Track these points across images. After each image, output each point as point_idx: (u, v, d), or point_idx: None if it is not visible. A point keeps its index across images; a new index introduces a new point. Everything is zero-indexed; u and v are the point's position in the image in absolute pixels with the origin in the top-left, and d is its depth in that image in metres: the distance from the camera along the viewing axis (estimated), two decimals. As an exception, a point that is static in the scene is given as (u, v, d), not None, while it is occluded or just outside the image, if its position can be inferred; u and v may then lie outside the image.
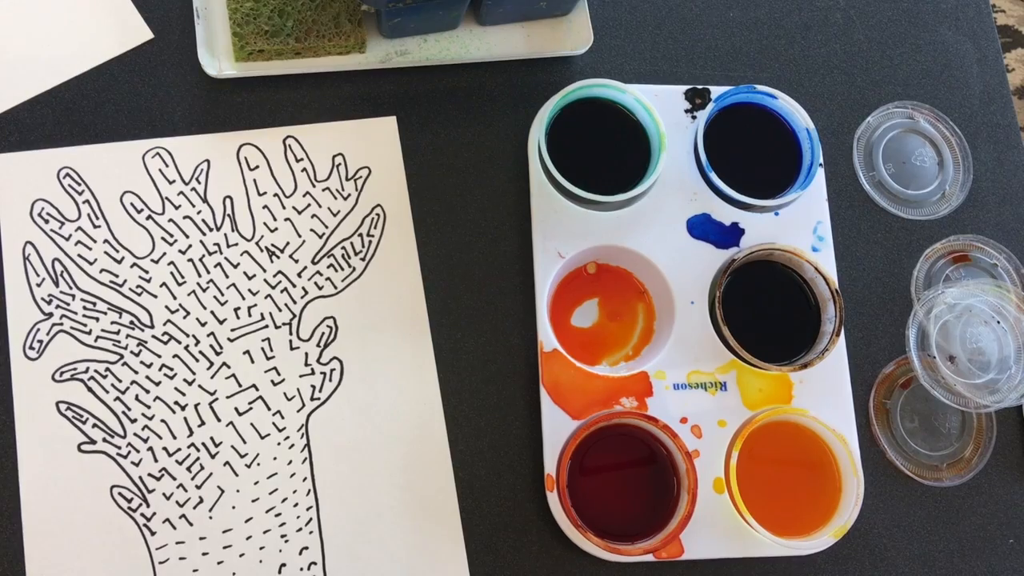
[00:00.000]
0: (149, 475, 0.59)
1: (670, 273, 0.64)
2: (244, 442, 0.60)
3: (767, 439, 0.62)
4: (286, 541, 0.59)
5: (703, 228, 0.66)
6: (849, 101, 0.73)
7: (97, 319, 0.60)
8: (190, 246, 0.62)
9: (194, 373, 0.61)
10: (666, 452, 0.61)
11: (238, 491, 0.59)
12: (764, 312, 0.66)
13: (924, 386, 0.64)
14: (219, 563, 0.58)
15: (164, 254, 0.62)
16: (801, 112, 0.67)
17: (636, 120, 0.66)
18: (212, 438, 0.60)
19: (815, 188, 0.68)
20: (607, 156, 0.66)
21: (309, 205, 0.64)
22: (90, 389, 0.59)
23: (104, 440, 0.59)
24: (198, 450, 0.60)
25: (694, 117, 0.68)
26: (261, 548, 0.59)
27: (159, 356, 0.60)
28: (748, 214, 0.66)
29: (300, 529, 0.59)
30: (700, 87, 0.69)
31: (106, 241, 0.62)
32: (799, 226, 0.67)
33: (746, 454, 0.61)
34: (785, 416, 0.63)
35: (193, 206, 0.63)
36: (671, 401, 0.63)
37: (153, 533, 0.58)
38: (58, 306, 0.60)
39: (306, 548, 0.59)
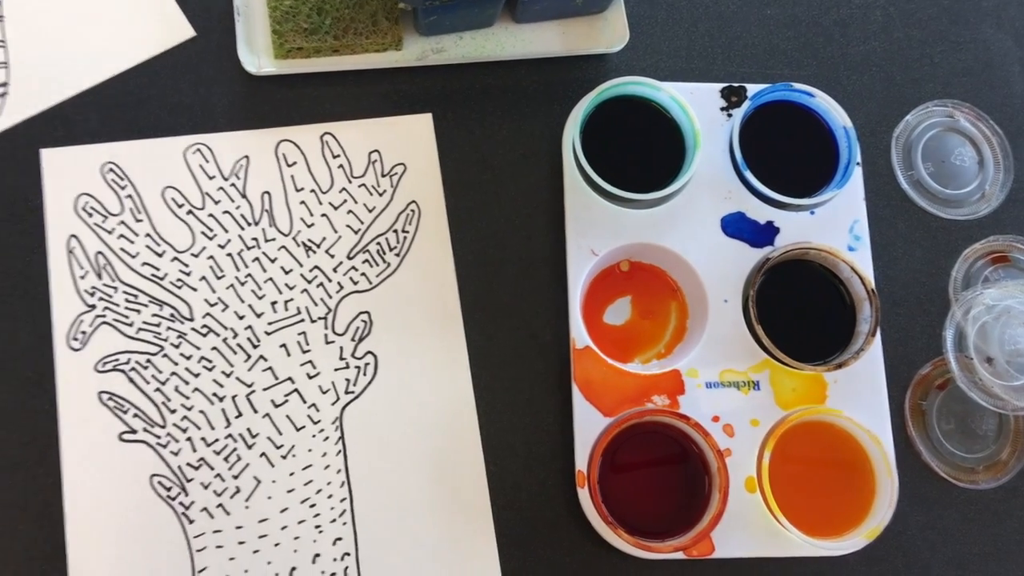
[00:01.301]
0: (188, 465, 0.60)
1: (703, 271, 0.64)
2: (280, 434, 0.61)
3: (800, 439, 0.62)
4: (320, 531, 0.60)
5: (737, 226, 0.66)
6: (888, 99, 0.72)
7: (139, 311, 0.62)
8: (229, 240, 0.63)
9: (232, 365, 0.62)
10: (698, 450, 0.61)
11: (274, 482, 0.60)
12: (798, 311, 0.66)
13: (961, 388, 0.63)
14: (255, 552, 0.59)
15: (204, 248, 0.63)
16: (839, 110, 0.67)
17: (671, 118, 0.66)
18: (249, 429, 0.61)
19: (852, 187, 0.67)
20: (641, 154, 0.66)
21: (345, 201, 0.65)
22: (131, 380, 0.61)
23: (144, 430, 0.60)
24: (235, 441, 0.61)
25: (730, 115, 0.68)
26: (296, 538, 0.60)
27: (198, 348, 0.62)
28: (783, 213, 0.66)
29: (334, 520, 0.60)
30: (736, 85, 0.68)
31: (148, 235, 0.63)
32: (835, 225, 0.67)
33: (779, 454, 0.61)
34: (819, 416, 0.63)
35: (232, 201, 0.64)
36: (703, 399, 0.63)
37: (191, 521, 0.59)
38: (101, 298, 0.62)
39: (339, 539, 0.60)
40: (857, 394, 0.64)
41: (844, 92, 0.71)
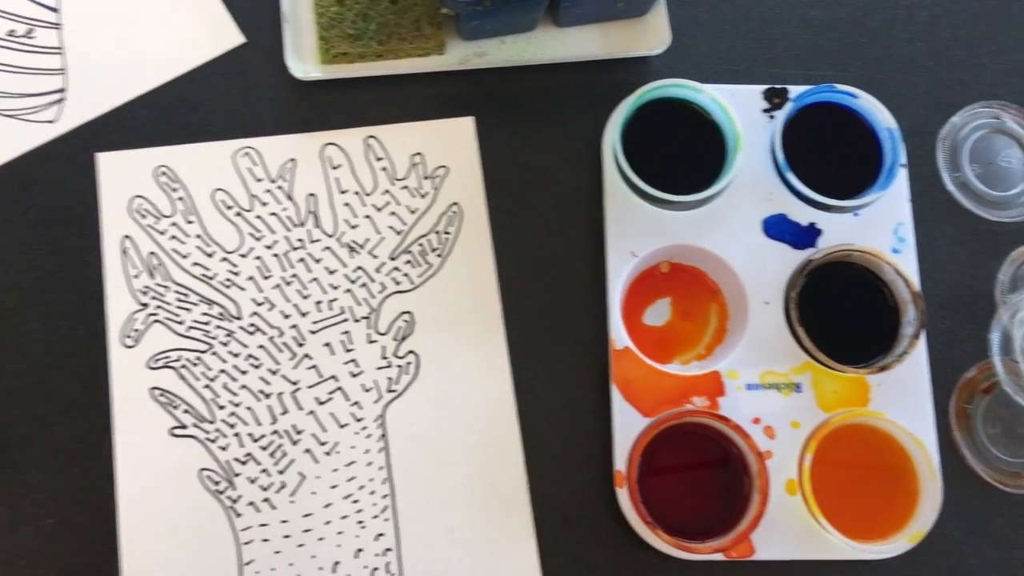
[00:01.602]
0: (235, 459, 0.62)
1: (744, 273, 0.64)
2: (324, 431, 0.62)
3: (842, 441, 0.62)
4: (363, 527, 0.61)
5: (779, 228, 0.65)
6: (933, 100, 0.71)
7: (189, 310, 0.64)
8: (276, 242, 0.65)
9: (278, 363, 0.63)
10: (737, 452, 0.61)
11: (318, 477, 0.61)
12: (841, 314, 0.66)
13: (1007, 392, 0.62)
14: (299, 546, 0.60)
15: (252, 249, 0.65)
16: (883, 112, 0.66)
17: (712, 120, 0.66)
18: (294, 426, 0.62)
19: (896, 189, 0.67)
20: (682, 156, 0.66)
21: (388, 203, 0.66)
22: (182, 376, 0.63)
23: (194, 425, 0.62)
24: (281, 437, 0.62)
25: (772, 117, 0.68)
26: (339, 533, 0.61)
27: (246, 346, 0.63)
28: (826, 214, 0.66)
29: (376, 516, 0.61)
30: (778, 87, 0.68)
31: (198, 236, 0.65)
32: (879, 227, 0.66)
33: (820, 456, 0.60)
34: (861, 419, 0.62)
35: (279, 203, 0.66)
36: (743, 401, 0.63)
37: (239, 515, 0.61)
38: (153, 297, 0.64)
39: (382, 535, 0.61)
40: (900, 397, 0.63)
41: (889, 93, 0.71)
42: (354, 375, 0.63)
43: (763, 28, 0.72)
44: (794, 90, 0.68)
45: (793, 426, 0.62)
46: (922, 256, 0.67)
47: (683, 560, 0.60)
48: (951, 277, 0.68)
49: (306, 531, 0.61)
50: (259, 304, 0.64)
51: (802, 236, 0.65)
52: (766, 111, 0.68)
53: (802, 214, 0.66)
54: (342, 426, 0.62)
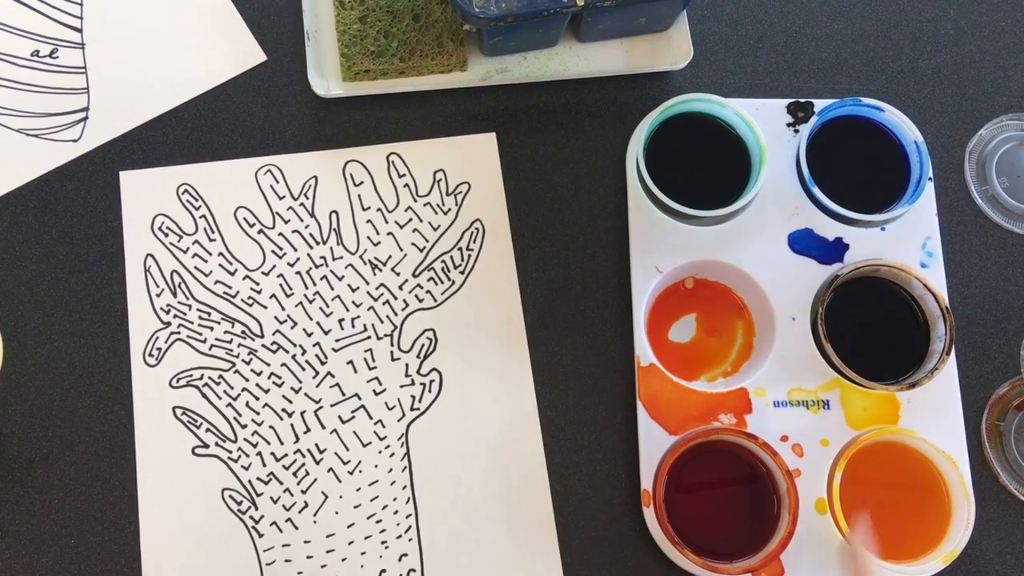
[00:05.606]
0: (258, 479, 0.61)
1: (770, 289, 0.63)
2: (347, 449, 0.62)
3: (872, 460, 0.61)
4: (386, 547, 0.60)
5: (805, 243, 0.65)
6: (960, 113, 0.71)
7: (211, 328, 0.63)
8: (298, 259, 0.65)
9: (300, 382, 0.63)
10: (766, 470, 0.60)
11: (341, 497, 0.61)
12: (869, 329, 0.65)
13: (1041, 408, 0.62)
14: (322, 567, 0.60)
15: (274, 267, 0.65)
16: (909, 125, 0.66)
17: (736, 134, 0.66)
18: (317, 445, 0.62)
19: (924, 203, 0.66)
20: (706, 170, 0.66)
21: (411, 219, 0.66)
22: (204, 395, 0.62)
23: (216, 444, 0.62)
24: (304, 456, 0.62)
25: (796, 131, 0.67)
26: (362, 553, 0.60)
27: (268, 364, 0.63)
28: (853, 229, 0.65)
29: (400, 536, 0.60)
30: (803, 100, 0.68)
31: (221, 254, 0.65)
32: (907, 241, 0.65)
33: (850, 475, 0.59)
34: (892, 436, 0.61)
35: (301, 220, 0.65)
36: (771, 418, 0.62)
37: (261, 535, 0.60)
38: (176, 315, 0.63)
39: (405, 555, 0.60)
40: (931, 414, 0.62)
41: (915, 106, 0.70)
42: (377, 393, 0.63)
43: (786, 42, 0.71)
44: (819, 104, 0.67)
45: (822, 444, 0.61)
46: (951, 271, 0.66)
47: (711, 581, 0.59)
48: (981, 292, 0.67)
49: (329, 551, 0.60)
50: (281, 322, 0.64)
51: (829, 251, 0.65)
52: (790, 125, 0.67)
53: (828, 229, 0.65)
54: (365, 445, 0.62)
